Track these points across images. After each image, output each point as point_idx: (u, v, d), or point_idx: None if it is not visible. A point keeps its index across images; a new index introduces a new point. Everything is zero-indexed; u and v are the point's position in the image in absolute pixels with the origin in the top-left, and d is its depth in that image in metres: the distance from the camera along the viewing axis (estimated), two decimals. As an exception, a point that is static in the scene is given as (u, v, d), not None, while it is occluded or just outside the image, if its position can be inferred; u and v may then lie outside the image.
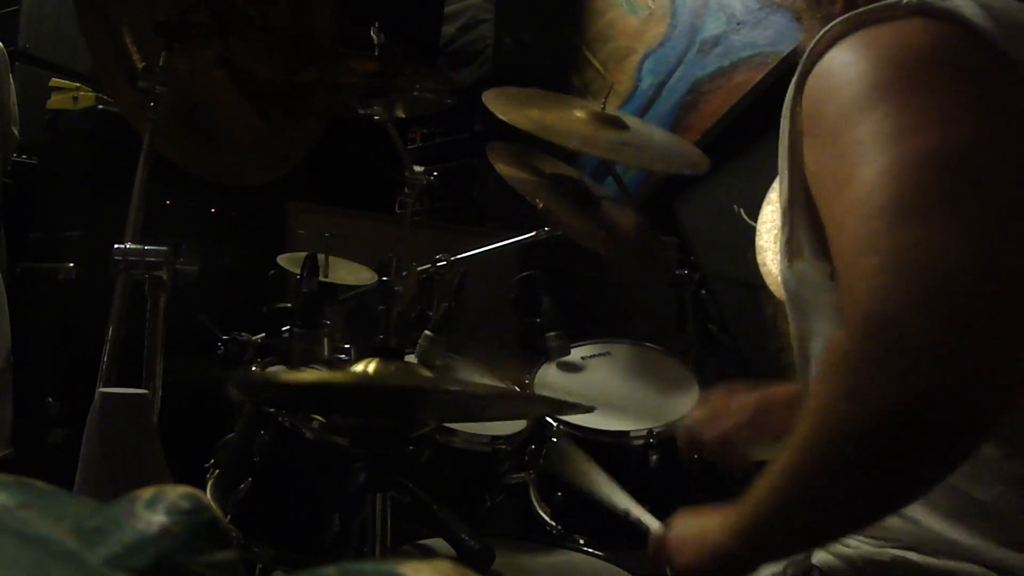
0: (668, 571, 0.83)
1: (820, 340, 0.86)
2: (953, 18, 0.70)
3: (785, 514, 0.68)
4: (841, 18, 0.75)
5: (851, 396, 0.61)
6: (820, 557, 0.85)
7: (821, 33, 0.75)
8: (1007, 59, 0.69)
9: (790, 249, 0.82)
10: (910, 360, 0.58)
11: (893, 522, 0.78)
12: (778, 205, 0.85)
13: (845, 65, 0.72)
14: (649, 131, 2.05)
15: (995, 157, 0.65)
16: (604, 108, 1.83)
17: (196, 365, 1.62)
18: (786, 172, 0.80)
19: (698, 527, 0.79)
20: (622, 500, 1.07)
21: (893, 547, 0.79)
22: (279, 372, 1.47)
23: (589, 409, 1.06)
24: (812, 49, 0.76)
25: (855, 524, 0.73)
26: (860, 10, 0.74)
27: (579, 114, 1.83)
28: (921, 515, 0.77)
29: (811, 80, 0.76)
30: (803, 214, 0.79)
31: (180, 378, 1.35)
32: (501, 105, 1.72)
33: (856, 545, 0.82)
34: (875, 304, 0.60)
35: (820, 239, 0.78)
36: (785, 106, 0.80)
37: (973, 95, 0.68)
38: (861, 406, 0.60)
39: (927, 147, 0.64)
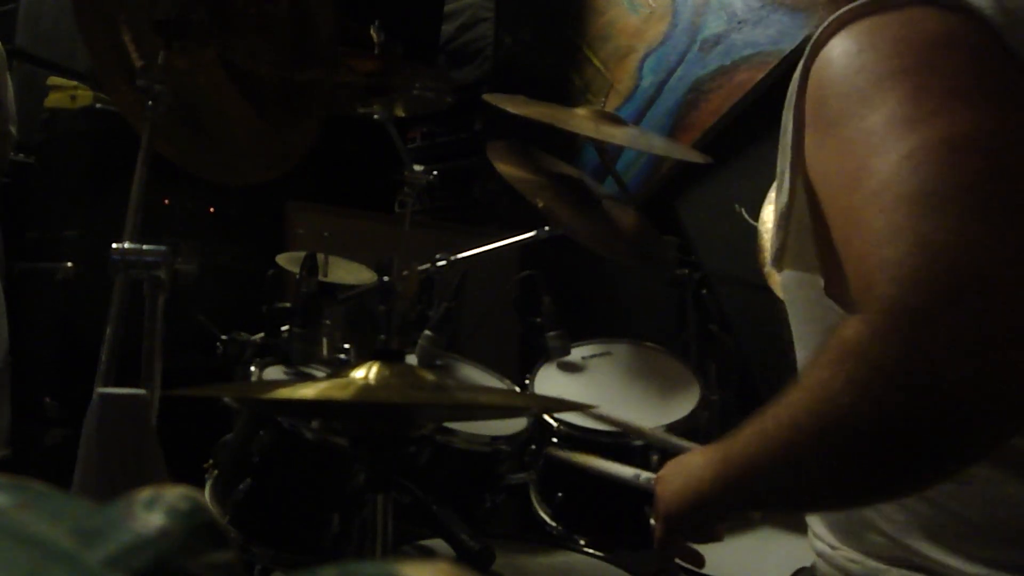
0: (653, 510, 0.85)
1: (803, 349, 0.85)
2: (961, 7, 0.68)
3: (768, 478, 0.68)
4: (846, 7, 0.72)
5: (861, 386, 0.58)
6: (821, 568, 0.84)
7: (826, 23, 0.73)
8: (1011, 50, 0.67)
9: (781, 257, 0.80)
10: (941, 353, 0.55)
11: (889, 547, 0.76)
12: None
13: (850, 54, 0.70)
14: (647, 135, 2.06)
15: (1019, 142, 0.62)
16: (604, 107, 1.83)
17: (195, 366, 1.61)
18: (787, 172, 0.77)
19: (684, 470, 0.81)
20: (627, 469, 1.07)
21: (898, 567, 0.76)
22: (277, 374, 1.47)
23: (589, 408, 1.05)
24: (816, 39, 0.74)
25: (838, 505, 0.73)
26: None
27: (580, 112, 1.83)
28: (914, 541, 0.74)
29: (814, 70, 0.73)
30: (802, 217, 0.77)
31: (179, 381, 1.34)
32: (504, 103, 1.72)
33: (862, 560, 0.79)
34: (899, 294, 0.57)
35: (819, 246, 0.75)
36: (788, 100, 0.77)
37: (991, 80, 0.65)
38: (871, 396, 0.58)
39: (949, 132, 0.61)
